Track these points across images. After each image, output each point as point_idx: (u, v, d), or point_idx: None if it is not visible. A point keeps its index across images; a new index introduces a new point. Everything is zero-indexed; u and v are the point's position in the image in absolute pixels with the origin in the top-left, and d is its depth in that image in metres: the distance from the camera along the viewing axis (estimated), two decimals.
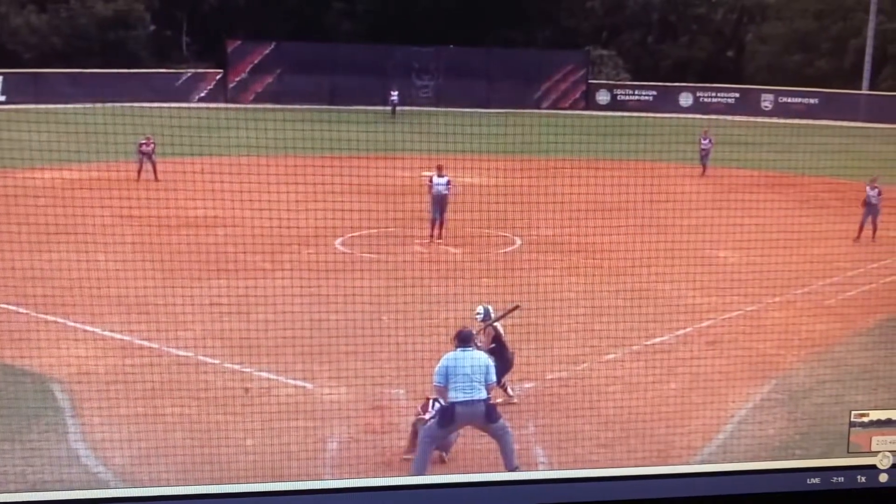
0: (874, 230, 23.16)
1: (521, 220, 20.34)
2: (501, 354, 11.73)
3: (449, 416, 9.92)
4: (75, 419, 11.30)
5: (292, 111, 32.11)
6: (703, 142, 36.39)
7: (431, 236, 22.34)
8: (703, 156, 36.14)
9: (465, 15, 70.43)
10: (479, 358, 10.14)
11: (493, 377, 10.15)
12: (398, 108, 58.37)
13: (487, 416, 9.92)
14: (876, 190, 23.27)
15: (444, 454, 10.65)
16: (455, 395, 9.86)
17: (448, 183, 22.70)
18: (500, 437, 10.04)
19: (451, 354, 10.12)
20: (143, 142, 29.50)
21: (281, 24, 71.20)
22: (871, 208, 23.32)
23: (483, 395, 9.89)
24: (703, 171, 35.31)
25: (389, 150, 29.17)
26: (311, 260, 18.39)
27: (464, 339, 10.24)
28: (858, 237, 22.98)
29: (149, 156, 30.15)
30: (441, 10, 71.16)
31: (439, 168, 23.01)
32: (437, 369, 10.04)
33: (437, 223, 22.52)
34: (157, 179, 29.14)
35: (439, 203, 22.57)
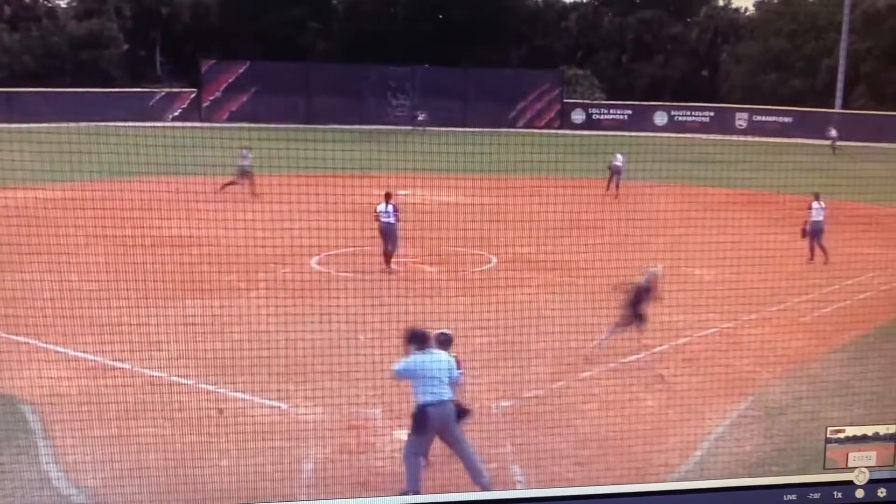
0: (825, 252, 22.79)
1: (496, 238, 20.36)
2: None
3: (423, 421, 9.91)
4: (47, 441, 11.16)
5: (267, 130, 32.12)
6: (614, 163, 36.34)
7: (388, 265, 21.08)
8: (616, 172, 36.06)
9: (441, 35, 70.82)
10: (441, 357, 10.19)
11: (458, 374, 10.27)
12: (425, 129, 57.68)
13: (458, 415, 10.04)
14: (819, 206, 23.00)
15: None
16: (424, 398, 9.89)
17: (395, 211, 21.17)
18: (460, 444, 10.04)
19: (413, 357, 10.16)
20: (244, 154, 30.25)
21: (255, 44, 71.38)
22: (816, 229, 22.98)
23: (450, 394, 9.99)
24: (609, 188, 35.43)
25: (366, 168, 29.11)
26: (287, 279, 18.33)
27: (421, 339, 10.27)
28: (812, 258, 22.75)
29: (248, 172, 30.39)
30: (416, 29, 71.53)
31: (387, 196, 21.44)
32: (399, 367, 10.17)
33: (386, 252, 21.19)
34: (254, 194, 28.77)
35: (387, 235, 21.19)
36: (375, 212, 21.21)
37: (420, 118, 60.79)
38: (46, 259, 15.03)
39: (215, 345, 13.48)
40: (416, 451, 10.07)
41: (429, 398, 9.88)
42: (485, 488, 9.87)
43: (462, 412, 10.13)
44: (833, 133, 56.26)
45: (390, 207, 21.23)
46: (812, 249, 22.97)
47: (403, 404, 11.51)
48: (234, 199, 26.52)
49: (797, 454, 10.93)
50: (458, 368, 10.68)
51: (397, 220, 21.21)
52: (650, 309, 15.35)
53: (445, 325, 11.96)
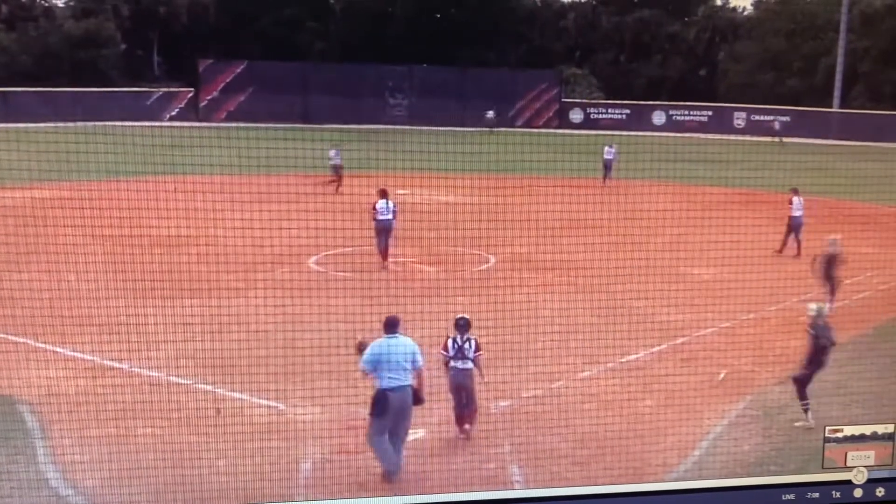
0: (799, 247, 23.28)
1: (494, 237, 20.32)
2: None
3: (384, 404, 10.28)
4: (45, 441, 11.14)
5: (265, 129, 32.07)
6: (606, 156, 37.50)
7: (384, 261, 21.40)
8: (606, 166, 37.39)
9: (439, 34, 70.70)
10: (406, 344, 10.59)
11: (420, 362, 10.63)
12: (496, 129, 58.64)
13: (415, 400, 10.51)
14: (799, 201, 23.58)
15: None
16: (386, 383, 10.30)
17: (394, 208, 21.54)
18: (401, 433, 10.49)
19: (379, 342, 10.56)
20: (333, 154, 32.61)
21: (253, 44, 71.26)
22: (796, 224, 23.55)
23: (410, 380, 10.43)
24: (605, 181, 36.56)
25: (364, 168, 29.11)
26: (285, 279, 18.30)
27: (391, 326, 10.72)
28: (795, 251, 23.17)
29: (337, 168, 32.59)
30: (414, 29, 71.43)
31: (383, 192, 21.78)
32: (365, 357, 10.49)
33: (384, 249, 21.50)
34: (327, 189, 30.32)
35: (385, 232, 21.46)
36: (374, 209, 21.36)
37: (489, 115, 61.17)
38: (44, 259, 15.01)
39: (213, 345, 13.45)
40: (381, 430, 10.40)
41: (390, 383, 10.31)
42: (389, 479, 10.33)
43: (417, 399, 10.56)
44: (777, 126, 59.82)
45: (390, 204, 21.44)
46: (784, 242, 23.51)
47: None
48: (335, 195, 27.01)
49: (796, 454, 10.92)
50: (478, 350, 11.49)
51: (395, 217, 21.47)
52: (840, 272, 18.07)
53: (444, 325, 12.00)
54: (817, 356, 12.47)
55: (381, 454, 10.40)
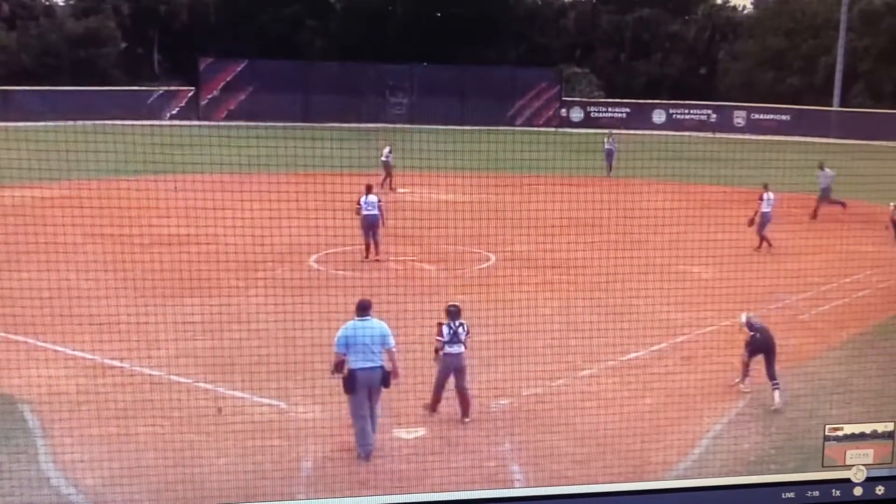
0: (768, 241, 23.49)
1: (495, 236, 20.35)
2: None
3: (352, 383, 10.78)
4: (45, 440, 11.15)
5: (266, 128, 32.09)
6: (606, 146, 39.17)
7: (367, 256, 21.68)
8: (609, 157, 38.90)
9: (439, 33, 70.63)
10: (376, 326, 11.02)
11: (391, 343, 11.02)
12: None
13: (383, 382, 10.93)
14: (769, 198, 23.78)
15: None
16: (356, 363, 10.77)
17: (378, 202, 21.81)
18: (373, 409, 10.96)
19: (350, 324, 11.00)
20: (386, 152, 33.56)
21: (253, 42, 71.15)
22: (766, 220, 23.69)
23: (380, 361, 10.87)
24: (609, 171, 38.15)
25: (364, 167, 29.05)
26: (285, 277, 18.30)
27: (363, 309, 11.19)
28: (759, 246, 23.43)
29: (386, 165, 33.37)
30: (414, 27, 71.36)
31: (368, 188, 22.18)
32: (337, 338, 10.94)
33: (373, 244, 21.70)
34: (391, 188, 31.61)
35: (371, 227, 21.67)
36: (358, 204, 21.48)
37: (575, 119, 62.46)
38: (44, 258, 15.01)
39: (214, 343, 13.47)
40: (358, 406, 10.87)
41: (358, 364, 10.78)
42: (365, 455, 10.83)
43: (387, 380, 10.97)
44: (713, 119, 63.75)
45: (373, 198, 21.75)
46: (762, 238, 23.60)
47: (402, 402, 11.55)
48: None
49: (796, 452, 10.93)
50: (467, 334, 12.02)
51: (381, 211, 21.75)
52: None
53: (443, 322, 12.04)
54: (763, 347, 13.32)
55: (357, 433, 10.89)
